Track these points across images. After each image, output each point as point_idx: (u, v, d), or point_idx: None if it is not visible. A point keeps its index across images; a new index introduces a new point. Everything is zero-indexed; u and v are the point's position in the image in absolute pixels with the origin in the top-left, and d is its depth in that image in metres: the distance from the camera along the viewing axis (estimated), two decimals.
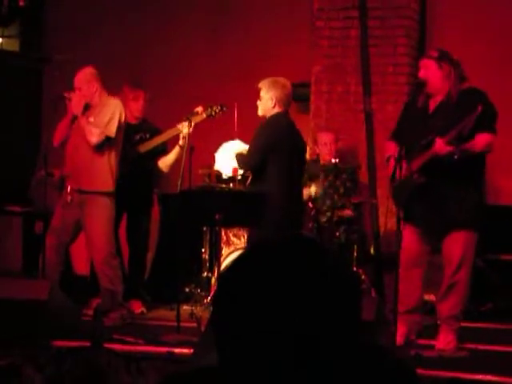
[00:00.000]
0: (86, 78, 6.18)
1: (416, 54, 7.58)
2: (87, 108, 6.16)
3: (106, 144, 6.12)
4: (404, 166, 5.19)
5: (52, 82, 8.43)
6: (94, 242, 6.17)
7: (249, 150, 5.90)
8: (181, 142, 6.42)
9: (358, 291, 1.42)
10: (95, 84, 6.18)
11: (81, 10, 8.87)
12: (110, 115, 6.12)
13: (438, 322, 5.43)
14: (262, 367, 1.34)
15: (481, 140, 5.08)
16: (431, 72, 5.27)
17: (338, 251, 6.66)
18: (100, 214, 6.13)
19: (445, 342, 5.25)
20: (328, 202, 6.97)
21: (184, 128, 6.28)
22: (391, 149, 5.43)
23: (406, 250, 5.22)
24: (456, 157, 4.96)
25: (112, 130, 6.09)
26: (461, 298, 5.28)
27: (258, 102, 5.87)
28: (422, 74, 5.31)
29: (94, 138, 6.05)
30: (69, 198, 6.15)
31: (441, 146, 5.02)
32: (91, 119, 6.11)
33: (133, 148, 6.68)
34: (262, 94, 5.85)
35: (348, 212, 6.94)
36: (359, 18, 7.65)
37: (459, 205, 5.21)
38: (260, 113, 5.89)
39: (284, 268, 1.36)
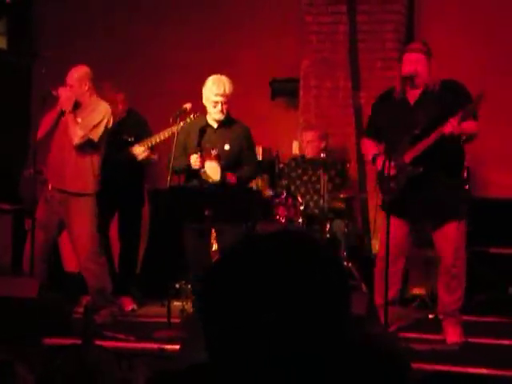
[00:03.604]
0: (79, 76, 6.14)
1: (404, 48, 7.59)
2: (76, 107, 6.13)
3: (87, 146, 6.10)
4: (393, 159, 5.23)
5: (40, 79, 8.40)
6: (78, 241, 6.14)
7: (255, 159, 6.32)
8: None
9: (347, 285, 1.42)
10: (88, 83, 6.15)
11: (69, 6, 8.84)
12: (98, 120, 6.10)
13: (441, 317, 5.45)
14: (251, 361, 1.34)
15: (473, 125, 5.22)
16: (421, 66, 5.27)
17: (327, 245, 6.67)
18: (82, 213, 6.11)
19: (455, 334, 5.29)
20: (316, 198, 6.97)
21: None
22: (371, 147, 5.50)
23: (394, 244, 5.23)
24: (464, 138, 5.16)
25: (97, 135, 6.08)
26: (463, 289, 5.33)
27: (225, 106, 6.00)
28: (412, 68, 5.26)
29: (77, 138, 6.02)
30: (49, 195, 6.14)
31: (455, 125, 5.07)
32: (79, 120, 6.09)
33: (121, 152, 6.65)
34: (228, 96, 6.02)
35: (339, 203, 6.96)
36: (347, 13, 7.65)
37: (453, 195, 5.33)
38: (223, 116, 6.06)
39: (273, 261, 1.36)
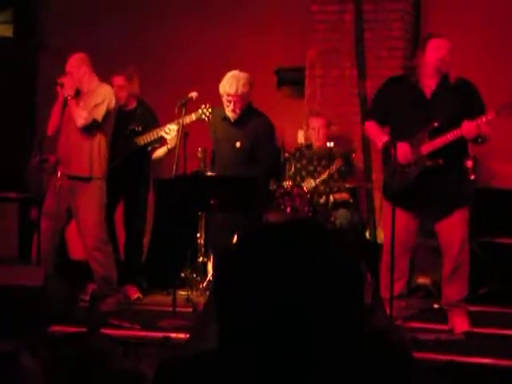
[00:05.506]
0: (76, 62, 6.22)
1: (410, 37, 7.56)
2: (78, 93, 6.17)
3: (93, 128, 6.12)
4: (409, 150, 5.22)
5: (46, 68, 8.40)
6: (86, 228, 6.16)
7: (270, 152, 6.14)
8: (169, 146, 6.47)
9: (361, 273, 1.42)
10: (85, 68, 6.21)
11: None
12: (100, 100, 6.13)
13: (446, 308, 5.45)
14: (261, 346, 1.34)
15: (488, 130, 5.22)
16: (448, 54, 5.23)
17: (337, 234, 6.65)
18: (91, 201, 6.13)
19: (463, 323, 5.29)
20: (322, 188, 6.96)
21: (171, 132, 6.33)
22: (381, 132, 5.43)
23: (399, 236, 5.21)
24: (480, 140, 5.14)
25: (99, 114, 6.10)
26: (467, 279, 5.32)
27: (239, 105, 5.92)
28: (444, 53, 5.21)
29: (81, 119, 6.06)
30: (58, 183, 6.16)
31: (471, 128, 5.07)
32: (81, 104, 6.12)
33: (128, 141, 6.66)
34: (241, 96, 5.89)
35: (344, 195, 6.94)
36: (354, 2, 7.62)
37: (459, 184, 5.33)
38: (236, 115, 5.96)
39: (289, 251, 1.37)
